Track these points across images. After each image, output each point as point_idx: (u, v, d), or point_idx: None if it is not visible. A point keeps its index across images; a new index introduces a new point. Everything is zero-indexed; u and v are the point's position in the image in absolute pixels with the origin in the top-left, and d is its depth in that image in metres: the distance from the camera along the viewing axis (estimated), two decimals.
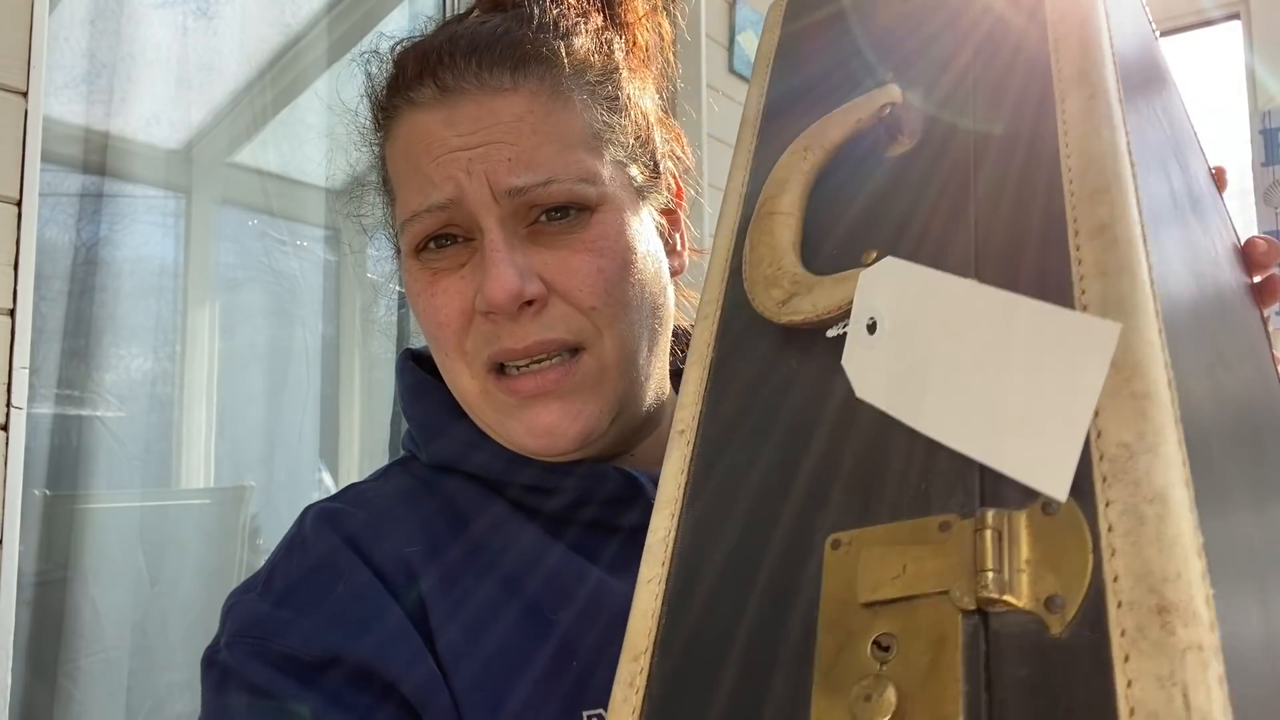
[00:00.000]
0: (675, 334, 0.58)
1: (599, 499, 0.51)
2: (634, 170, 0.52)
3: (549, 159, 0.48)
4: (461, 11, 0.56)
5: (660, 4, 0.58)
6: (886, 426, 0.29)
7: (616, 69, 0.53)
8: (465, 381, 0.51)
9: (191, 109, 1.60)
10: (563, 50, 0.50)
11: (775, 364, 0.34)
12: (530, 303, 0.47)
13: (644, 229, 0.52)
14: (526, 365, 0.49)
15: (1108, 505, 0.23)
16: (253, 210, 1.72)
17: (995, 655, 0.23)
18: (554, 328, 0.48)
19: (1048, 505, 0.24)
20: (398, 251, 0.56)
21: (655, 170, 0.55)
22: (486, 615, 0.48)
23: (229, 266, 1.70)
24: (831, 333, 0.33)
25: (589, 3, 0.54)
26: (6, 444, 1.09)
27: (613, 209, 0.50)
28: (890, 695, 0.23)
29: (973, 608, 0.23)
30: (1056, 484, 0.24)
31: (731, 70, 2.27)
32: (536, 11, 0.51)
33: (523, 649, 0.47)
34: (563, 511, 0.51)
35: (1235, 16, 2.63)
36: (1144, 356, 0.24)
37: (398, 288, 1.98)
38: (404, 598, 0.48)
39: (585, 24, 0.53)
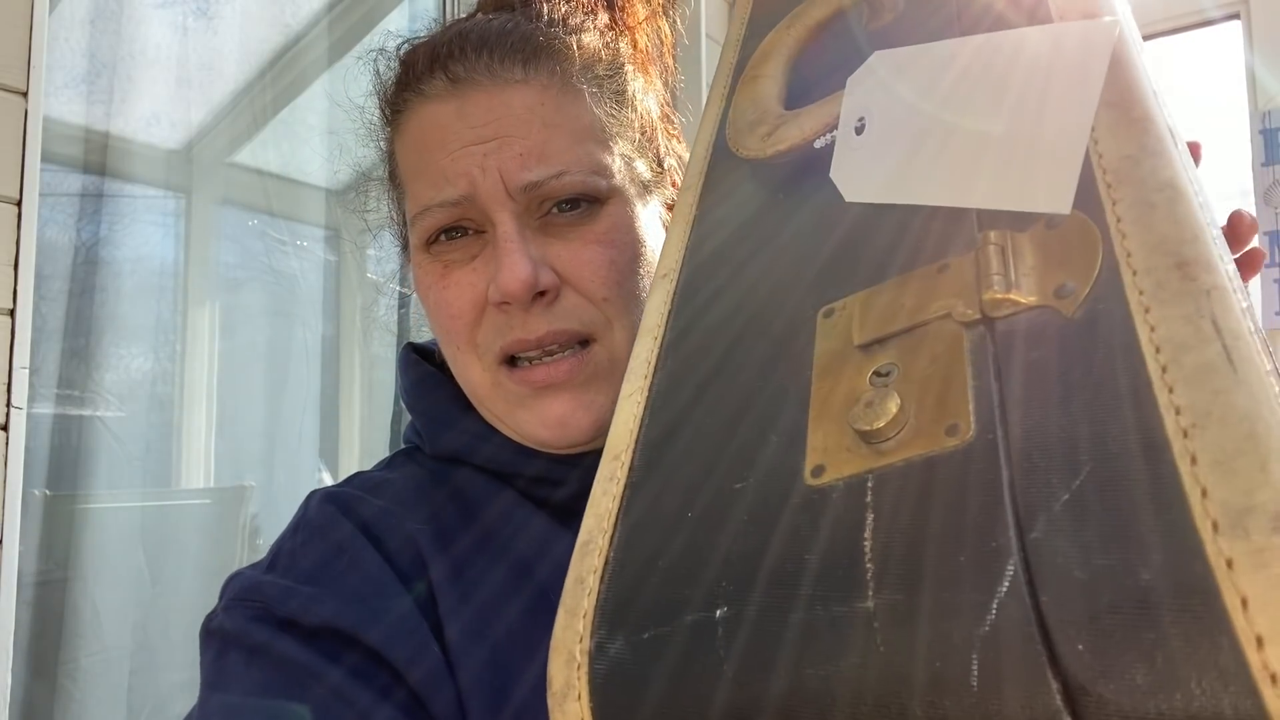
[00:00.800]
0: None
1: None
2: (640, 165, 0.53)
3: (560, 151, 0.48)
4: (465, 14, 0.56)
5: (659, 9, 0.58)
6: (872, 215, 0.28)
7: (623, 65, 0.53)
8: (476, 374, 0.51)
9: (191, 109, 1.60)
10: (573, 44, 0.50)
11: (757, 197, 0.34)
12: (543, 293, 0.48)
13: (651, 223, 0.53)
14: (538, 357, 0.49)
15: (1115, 204, 0.22)
16: (253, 210, 1.72)
17: (1004, 349, 0.22)
18: (566, 319, 0.49)
19: (1051, 220, 0.23)
20: (404, 246, 0.55)
21: (660, 166, 0.55)
22: (497, 603, 0.48)
23: (229, 266, 1.70)
24: (819, 142, 0.32)
25: (595, 2, 0.55)
26: (6, 444, 1.09)
27: (622, 201, 0.51)
28: (892, 402, 0.22)
29: (977, 317, 0.23)
30: (1059, 198, 0.23)
31: None
32: (545, 8, 0.52)
33: (531, 635, 0.47)
34: (569, 502, 0.51)
35: (1235, 16, 2.62)
36: (1138, 88, 0.24)
37: (398, 287, 1.97)
38: (414, 586, 0.47)
39: (593, 20, 0.53)
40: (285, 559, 0.48)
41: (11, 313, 1.10)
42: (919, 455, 0.21)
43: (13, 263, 1.11)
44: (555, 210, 0.49)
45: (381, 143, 0.55)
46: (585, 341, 0.50)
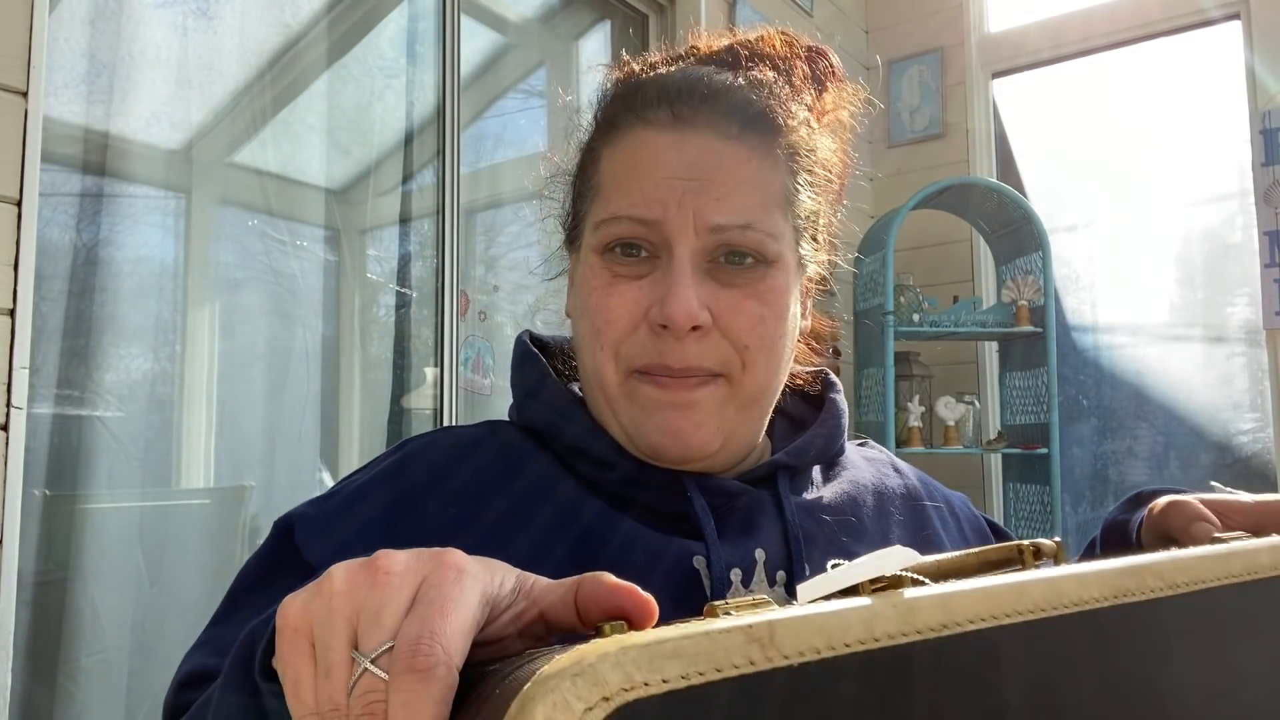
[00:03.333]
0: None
1: (652, 485, 0.57)
2: (804, 246, 0.60)
3: (751, 208, 0.55)
4: (681, 52, 0.64)
5: (846, 114, 0.65)
6: None
7: (814, 151, 0.61)
8: (609, 376, 0.56)
9: (191, 109, 1.60)
10: (785, 122, 0.58)
11: None
12: (696, 328, 0.54)
13: (797, 293, 0.60)
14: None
15: None
16: (253, 210, 1.72)
17: None
18: (708, 356, 0.55)
19: None
20: (569, 238, 0.62)
21: (817, 245, 0.62)
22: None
23: (229, 266, 1.70)
24: None
25: (804, 84, 0.62)
26: (6, 444, 1.09)
27: (783, 269, 0.57)
28: None
29: None
30: None
31: None
32: (770, 79, 0.59)
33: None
34: (618, 489, 0.57)
35: (1235, 16, 2.62)
36: None
37: (396, 288, 1.97)
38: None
39: (800, 102, 0.61)
40: (335, 502, 0.56)
41: (11, 313, 1.11)
42: None
43: (13, 263, 1.11)
44: (724, 260, 0.55)
45: (584, 144, 0.61)
46: (715, 376, 0.56)
